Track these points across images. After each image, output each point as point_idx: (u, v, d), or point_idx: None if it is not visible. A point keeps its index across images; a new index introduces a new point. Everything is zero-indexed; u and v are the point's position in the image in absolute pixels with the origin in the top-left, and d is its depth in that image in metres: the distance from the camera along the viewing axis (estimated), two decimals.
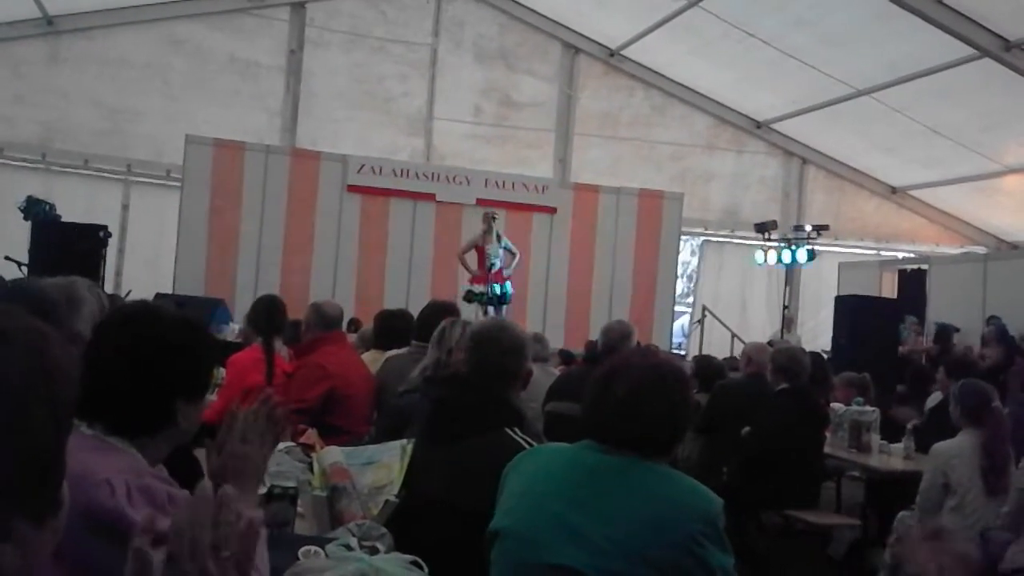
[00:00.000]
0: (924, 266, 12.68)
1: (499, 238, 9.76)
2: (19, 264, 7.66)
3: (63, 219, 8.30)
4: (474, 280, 9.56)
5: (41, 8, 10.83)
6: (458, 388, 2.82)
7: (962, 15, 9.17)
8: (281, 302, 4.60)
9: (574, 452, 2.18)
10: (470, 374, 2.78)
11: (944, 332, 10.81)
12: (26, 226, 7.97)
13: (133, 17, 11.49)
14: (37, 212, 7.90)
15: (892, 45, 10.12)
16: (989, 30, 9.27)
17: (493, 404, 2.60)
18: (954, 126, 11.36)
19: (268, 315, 4.39)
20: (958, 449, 4.25)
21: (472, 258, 9.73)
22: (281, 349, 4.41)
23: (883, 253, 14.14)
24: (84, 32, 11.45)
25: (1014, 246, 13.56)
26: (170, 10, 11.62)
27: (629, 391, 2.09)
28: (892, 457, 5.52)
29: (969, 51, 9.57)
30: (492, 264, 9.45)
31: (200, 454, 2.06)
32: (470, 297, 9.37)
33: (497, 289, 9.46)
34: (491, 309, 9.40)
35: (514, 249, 10.05)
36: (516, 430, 2.49)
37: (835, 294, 12.06)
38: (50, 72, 11.33)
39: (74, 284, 2.22)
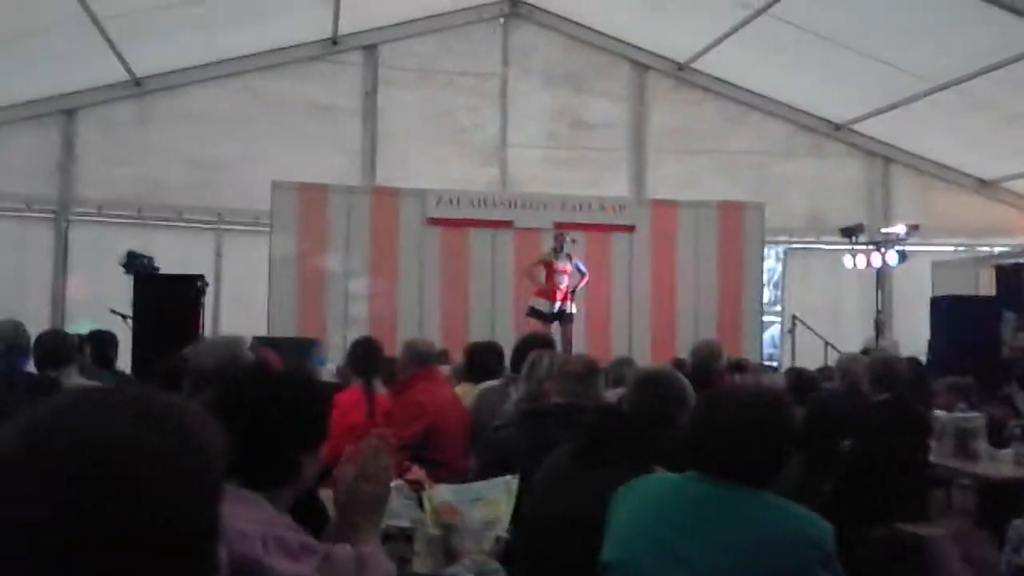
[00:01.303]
0: (1022, 260, 12.20)
1: (569, 257, 9.87)
2: (124, 317, 8.03)
3: (162, 271, 8.65)
4: (538, 293, 9.65)
5: (129, 71, 11.37)
6: (614, 420, 2.91)
7: None
8: (378, 343, 4.75)
9: (680, 482, 2.21)
10: (632, 412, 2.89)
11: None
12: (128, 280, 8.34)
13: (214, 73, 11.99)
14: (137, 266, 8.26)
15: (971, 35, 9.81)
16: None
17: (646, 442, 2.67)
18: None
19: (367, 356, 4.54)
20: None
21: (541, 273, 9.90)
22: (379, 388, 4.54)
23: (978, 249, 13.66)
24: (169, 91, 12.00)
25: None
26: (249, 63, 12.07)
27: (730, 421, 2.13)
28: (1001, 463, 5.34)
29: None
30: (560, 281, 9.62)
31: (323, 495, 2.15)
32: (533, 313, 9.50)
33: (559, 307, 9.58)
34: (560, 327, 9.54)
35: (583, 269, 10.17)
36: (661, 469, 2.54)
37: (930, 295, 11.71)
38: (140, 131, 11.88)
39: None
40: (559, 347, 9.32)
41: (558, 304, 9.61)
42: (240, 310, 10.95)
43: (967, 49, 10.19)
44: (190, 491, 0.89)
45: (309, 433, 1.78)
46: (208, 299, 8.98)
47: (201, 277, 8.28)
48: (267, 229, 11.11)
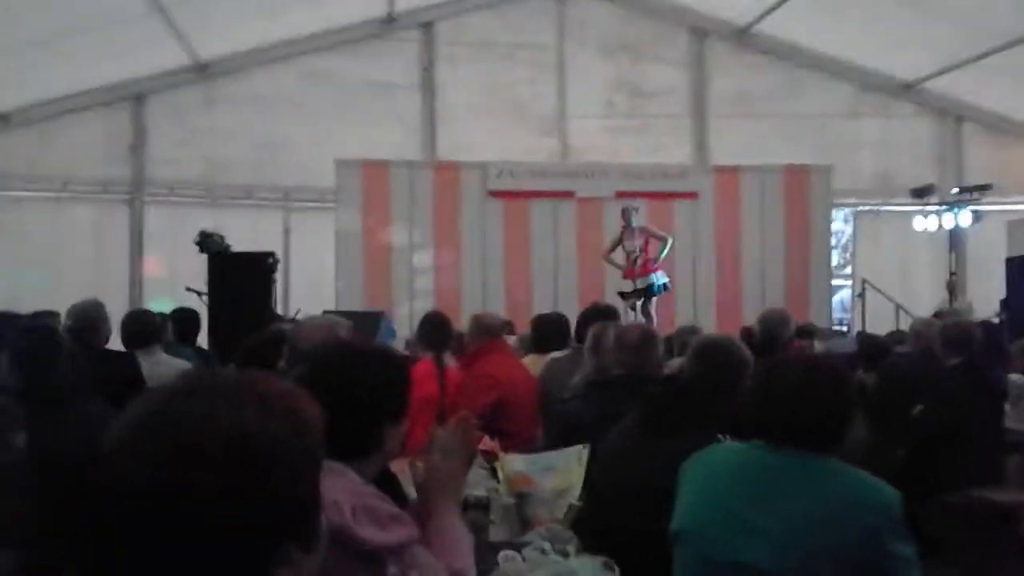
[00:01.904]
0: None
1: (641, 230, 9.63)
2: (199, 294, 8.27)
3: (233, 249, 8.87)
4: (626, 274, 9.53)
5: (193, 56, 11.61)
6: (676, 389, 2.97)
7: None
8: (447, 317, 4.84)
9: (746, 451, 2.25)
10: (692, 380, 2.94)
11: None
12: (202, 258, 8.58)
13: (274, 55, 12.15)
14: (211, 245, 8.49)
15: None
16: None
17: (710, 410, 2.73)
18: None
19: (437, 330, 4.64)
20: None
21: (619, 255, 9.63)
22: (449, 361, 4.64)
23: None
24: (232, 74, 12.21)
25: None
26: (307, 44, 12.20)
27: (788, 390, 2.16)
28: None
29: None
30: (636, 257, 9.38)
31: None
32: (623, 295, 9.35)
33: (645, 281, 9.36)
34: (640, 304, 9.36)
35: (662, 234, 9.63)
36: (727, 437, 2.59)
37: (1005, 255, 11.37)
38: (206, 114, 12.15)
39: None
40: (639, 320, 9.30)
41: (645, 278, 9.25)
42: (309, 285, 11.22)
43: None
44: (305, 468, 0.98)
45: (393, 405, 1.86)
46: (279, 275, 9.20)
47: (272, 254, 8.49)
48: (332, 206, 11.32)
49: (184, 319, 5.87)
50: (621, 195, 10.76)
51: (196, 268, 8.61)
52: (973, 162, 13.24)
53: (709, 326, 9.95)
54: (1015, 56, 10.96)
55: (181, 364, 4.31)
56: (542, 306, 9.83)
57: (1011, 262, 10.46)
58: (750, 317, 7.88)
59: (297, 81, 12.30)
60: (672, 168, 12.04)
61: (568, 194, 11.62)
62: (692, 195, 11.78)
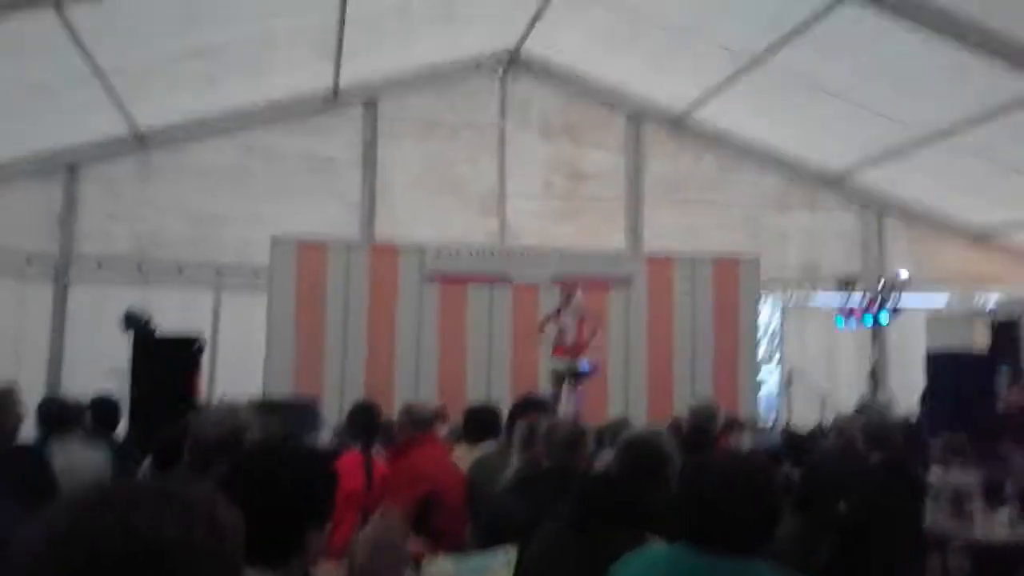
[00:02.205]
0: (1017, 311, 12.25)
1: (574, 312, 9.78)
2: (122, 376, 8.04)
3: (160, 330, 8.68)
4: (556, 351, 9.56)
5: (132, 125, 11.50)
6: (605, 486, 2.96)
7: None
8: (377, 407, 4.78)
9: (672, 554, 2.26)
10: (620, 477, 2.94)
11: None
12: (126, 338, 8.36)
13: (215, 127, 12.10)
14: (135, 326, 8.30)
15: (964, 87, 9.91)
16: None
17: (638, 507, 2.72)
18: None
19: (365, 421, 4.57)
20: None
21: (551, 331, 9.75)
22: (377, 452, 4.56)
23: (973, 302, 13.71)
24: (170, 145, 12.08)
25: None
26: (249, 118, 12.19)
27: (716, 490, 2.18)
28: (997, 525, 5.34)
29: None
30: (567, 339, 9.51)
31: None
32: (556, 375, 9.38)
33: (577, 364, 9.50)
34: (568, 385, 9.43)
35: (589, 326, 9.88)
36: (655, 537, 2.59)
37: (925, 348, 11.73)
38: (141, 186, 11.98)
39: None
40: (572, 406, 9.33)
41: (568, 361, 9.42)
42: (237, 369, 10.90)
43: (960, 99, 10.31)
44: (215, 566, 0.96)
45: (316, 509, 1.83)
46: (206, 357, 9.00)
47: (198, 340, 8.32)
48: (265, 285, 11.11)
49: (103, 407, 5.66)
50: (557, 283, 10.83)
51: (122, 348, 8.39)
52: (895, 254, 13.73)
53: (640, 415, 10.03)
54: (932, 152, 11.49)
55: (97, 457, 4.14)
56: (476, 393, 9.81)
57: (930, 357, 10.76)
58: (681, 406, 7.96)
59: (237, 155, 12.26)
60: (607, 255, 12.22)
61: (505, 279, 11.68)
62: (626, 282, 11.95)
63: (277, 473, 1.80)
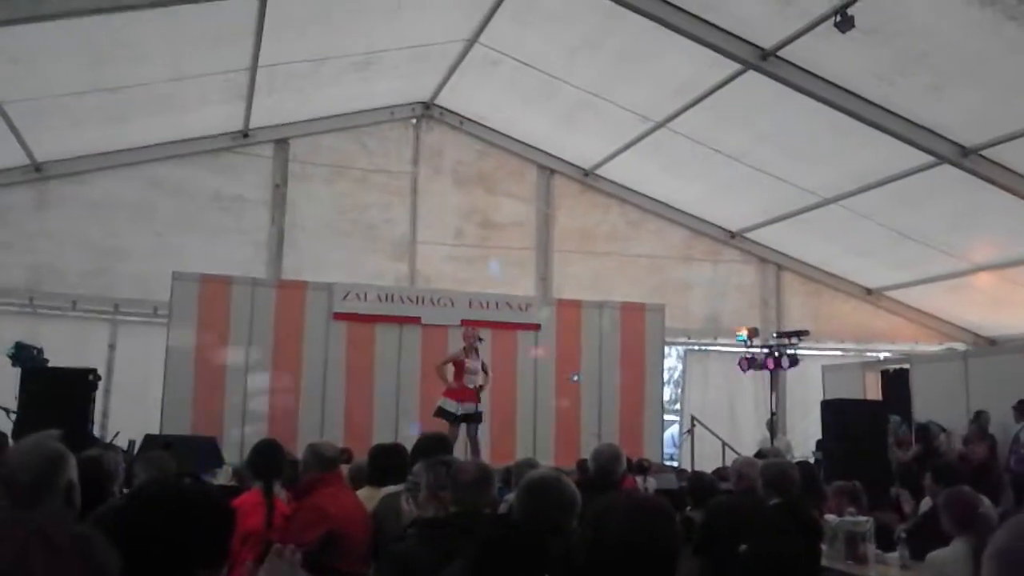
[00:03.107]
0: (906, 365, 12.84)
1: (478, 355, 9.73)
2: (7, 412, 7.66)
3: (51, 363, 8.32)
4: (448, 393, 9.49)
5: (29, 155, 11.12)
6: (506, 529, 2.92)
7: (919, 126, 9.59)
8: (279, 446, 4.65)
9: None
10: (522, 519, 2.90)
11: (926, 432, 10.90)
12: (15, 372, 7.99)
13: (119, 161, 11.79)
14: (25, 358, 7.94)
15: (854, 156, 10.54)
16: (946, 138, 9.68)
17: (540, 550, 2.69)
18: (921, 228, 11.73)
19: (267, 460, 4.44)
20: (952, 557, 4.29)
21: (450, 371, 9.67)
22: (279, 492, 4.44)
23: (865, 354, 14.32)
24: (71, 177, 11.72)
25: (991, 341, 13.79)
26: (155, 152, 11.94)
27: (617, 534, 2.19)
28: (889, 567, 5.52)
29: (928, 158, 9.97)
30: (471, 381, 9.48)
31: None
32: (440, 414, 9.32)
33: (476, 408, 9.46)
34: (469, 429, 9.40)
35: (488, 370, 9.92)
36: None
37: (821, 397, 12.15)
38: (38, 217, 11.55)
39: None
40: (468, 448, 9.29)
41: (466, 405, 9.42)
42: (133, 405, 10.52)
43: (851, 167, 10.91)
44: None
45: (207, 552, 1.76)
46: (100, 393, 8.65)
47: (93, 371, 8.00)
48: (165, 321, 10.79)
49: None
50: (466, 323, 10.86)
51: (10, 383, 7.99)
52: (792, 308, 14.26)
53: (547, 458, 10.04)
54: (825, 214, 12.08)
55: None
56: (383, 432, 9.69)
57: (825, 405, 11.16)
58: (587, 449, 8.00)
59: (142, 188, 11.94)
60: (517, 299, 12.31)
61: (414, 320, 11.63)
62: (535, 327, 12.05)
63: (166, 513, 1.74)
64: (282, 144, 12.81)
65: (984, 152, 9.61)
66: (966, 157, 9.72)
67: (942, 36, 8.01)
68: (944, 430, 10.93)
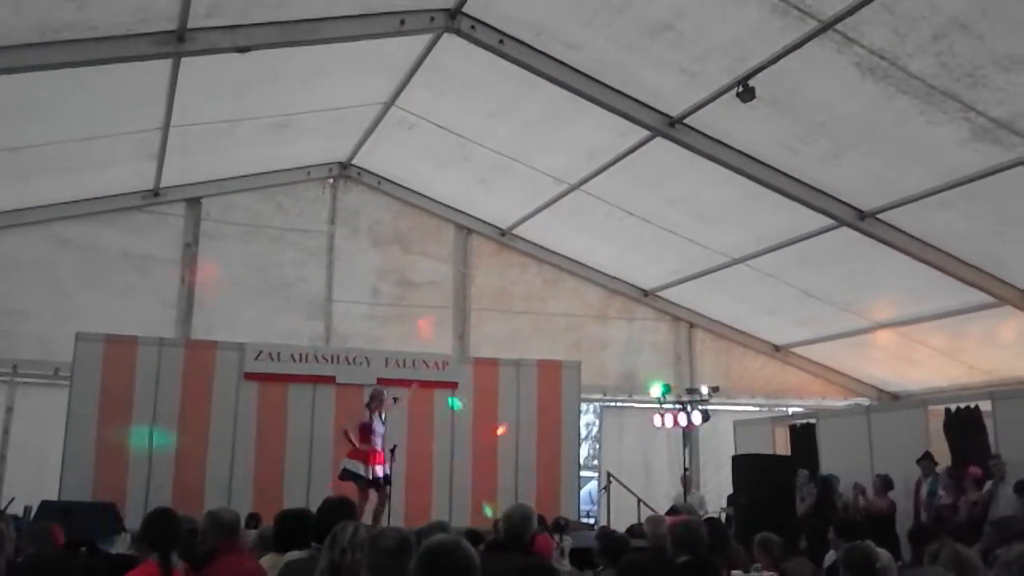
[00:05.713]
0: (813, 420, 13.18)
1: (383, 419, 9.64)
2: None
3: None
4: (352, 455, 9.34)
5: None
6: None
7: (820, 191, 10.01)
8: (174, 513, 4.49)
9: None
10: None
11: (825, 484, 11.17)
12: None
13: (19, 219, 11.46)
14: None
15: (759, 219, 10.93)
16: (845, 202, 10.11)
17: None
18: (823, 288, 12.16)
19: (163, 529, 4.28)
20: None
21: (355, 434, 9.50)
22: (177, 563, 4.28)
23: (775, 409, 14.66)
24: None
25: (894, 396, 14.28)
26: (59, 211, 11.65)
27: None
28: None
29: (829, 221, 10.38)
30: (376, 443, 9.36)
31: None
32: (347, 476, 9.17)
33: (375, 472, 9.32)
34: (381, 492, 9.26)
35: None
36: None
37: (733, 451, 12.36)
38: None
39: None
40: (383, 511, 9.12)
41: (374, 468, 9.29)
42: (29, 469, 10.08)
43: (755, 230, 11.31)
44: None
45: None
46: None
47: None
48: (67, 383, 10.42)
49: None
50: (382, 382, 10.75)
51: None
52: (704, 364, 14.56)
53: (463, 518, 9.96)
54: (733, 273, 12.46)
55: None
56: (293, 496, 9.47)
57: (736, 459, 11.36)
58: (504, 506, 7.96)
59: (46, 247, 11.61)
60: (434, 357, 12.26)
61: (329, 379, 11.47)
62: (452, 385, 12.01)
63: None
64: (194, 203, 12.63)
65: (880, 215, 10.05)
66: (863, 220, 10.14)
67: (839, 107, 8.42)
68: (863, 489, 11.05)
